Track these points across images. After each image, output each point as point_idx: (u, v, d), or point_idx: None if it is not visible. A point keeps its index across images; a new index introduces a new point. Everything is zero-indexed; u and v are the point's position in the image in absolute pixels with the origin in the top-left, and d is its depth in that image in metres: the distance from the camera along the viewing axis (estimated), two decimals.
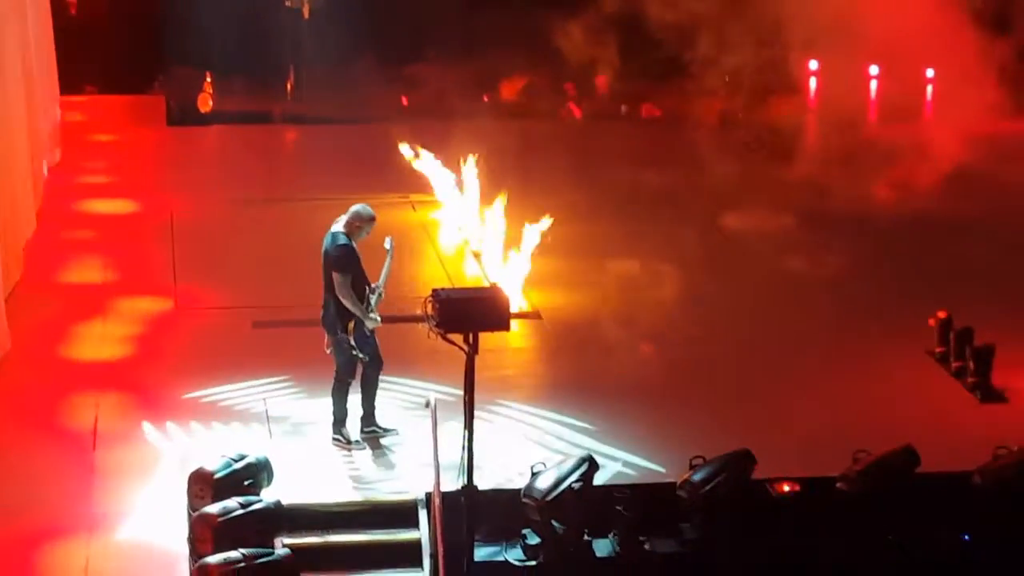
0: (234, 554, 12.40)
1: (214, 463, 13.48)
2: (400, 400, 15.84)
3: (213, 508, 12.90)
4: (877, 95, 29.07)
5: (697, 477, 14.02)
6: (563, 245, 19.98)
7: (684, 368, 17.27)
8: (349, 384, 14.91)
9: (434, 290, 13.15)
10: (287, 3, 29.74)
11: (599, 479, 14.16)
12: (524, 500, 13.78)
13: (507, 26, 26.90)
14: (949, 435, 15.52)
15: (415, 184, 22.49)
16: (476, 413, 13.30)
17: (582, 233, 21.05)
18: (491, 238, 20.13)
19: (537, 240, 19.36)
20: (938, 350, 17.44)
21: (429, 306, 13.05)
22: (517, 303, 18.62)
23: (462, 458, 13.19)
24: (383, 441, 15.05)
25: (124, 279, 19.81)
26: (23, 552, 13.41)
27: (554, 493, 13.68)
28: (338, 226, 14.84)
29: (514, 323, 15.77)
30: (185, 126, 27.79)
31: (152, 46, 28.89)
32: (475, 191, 21.29)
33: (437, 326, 13.01)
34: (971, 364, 16.88)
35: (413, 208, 22.79)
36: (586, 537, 13.91)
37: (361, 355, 14.74)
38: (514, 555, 13.85)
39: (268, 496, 13.41)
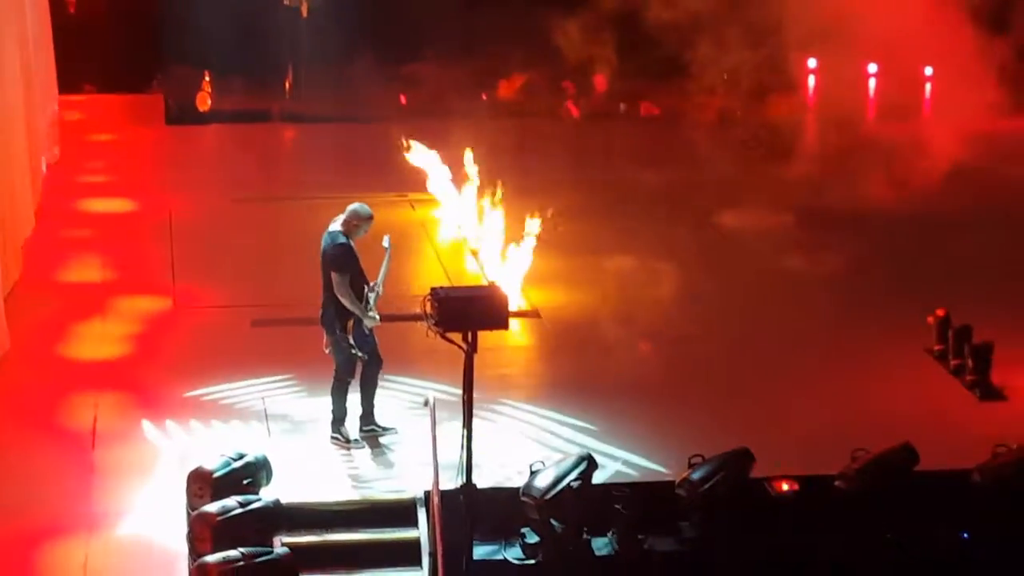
0: (233, 553, 12.40)
1: (213, 462, 13.48)
2: (399, 399, 15.84)
3: (212, 507, 12.90)
4: (875, 93, 29.09)
5: (696, 475, 14.02)
6: (562, 243, 19.99)
7: (683, 366, 17.28)
8: (348, 383, 14.90)
9: (433, 289, 13.17)
10: (285, 2, 29.73)
11: (598, 478, 14.17)
12: (523, 499, 13.78)
13: (505, 25, 26.90)
14: (948, 433, 15.52)
15: (414, 183, 22.48)
16: (475, 412, 13.32)
17: (581, 231, 21.06)
18: (489, 237, 20.13)
19: (536, 239, 19.38)
20: (937, 348, 17.45)
21: (428, 305, 13.07)
22: (516, 302, 18.61)
23: (461, 457, 13.21)
24: (382, 440, 15.05)
25: (123, 278, 19.81)
26: (22, 551, 13.40)
27: (553, 492, 13.68)
28: (336, 225, 14.84)
29: (513, 322, 15.76)
30: (184, 125, 27.80)
31: (150, 45, 28.88)
32: (474, 190, 21.29)
33: (436, 325, 13.03)
34: (970, 362, 16.88)
35: (412, 207, 22.79)
36: (585, 536, 13.91)
37: (360, 354, 14.74)
38: (513, 554, 13.85)
39: (267, 495, 13.40)
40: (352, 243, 14.73)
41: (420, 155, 21.95)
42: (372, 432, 15.05)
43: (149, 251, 20.70)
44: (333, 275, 14.63)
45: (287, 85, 29.78)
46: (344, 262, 14.63)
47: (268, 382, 16.43)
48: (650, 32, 24.06)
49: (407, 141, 22.04)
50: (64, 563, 13.33)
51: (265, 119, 28.36)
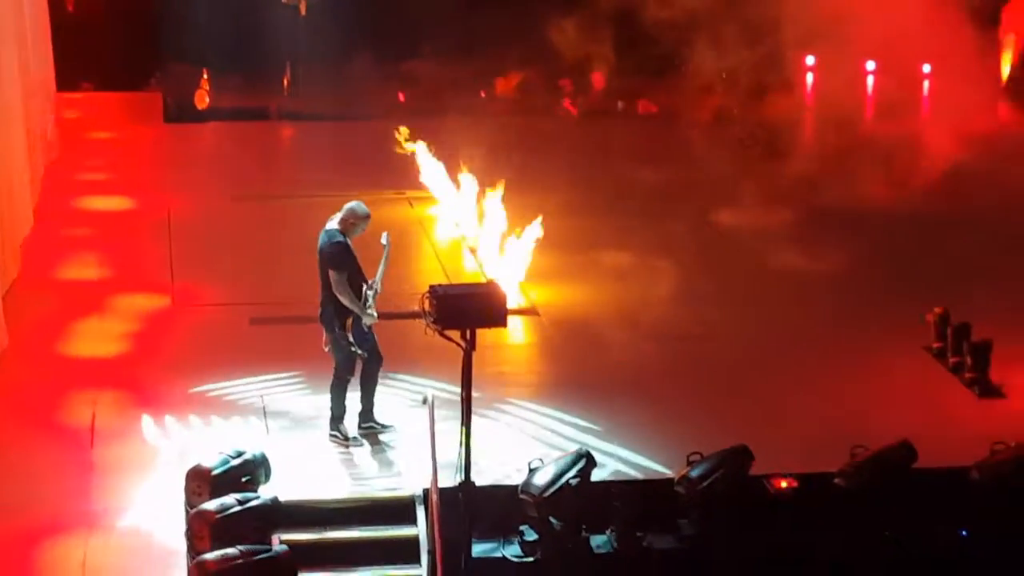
0: (232, 550, 12.40)
1: (212, 460, 13.47)
2: (398, 396, 15.83)
3: (211, 505, 12.90)
4: (873, 91, 29.09)
5: (695, 473, 14.02)
6: (560, 241, 19.99)
7: (681, 364, 17.28)
8: (348, 381, 14.90)
9: (431, 286, 13.16)
10: (284, 0, 29.74)
11: (597, 476, 14.17)
12: (522, 496, 13.78)
13: (504, 23, 26.89)
14: (946, 430, 15.52)
15: (412, 181, 22.48)
16: (474, 409, 13.32)
17: (579, 229, 21.05)
18: (488, 234, 20.13)
19: (535, 237, 19.39)
20: (936, 345, 17.45)
21: (426, 303, 13.06)
22: (514, 300, 18.60)
23: (460, 454, 13.20)
24: (381, 437, 15.05)
25: (121, 276, 19.81)
26: (21, 548, 13.40)
27: (552, 489, 13.68)
28: (333, 223, 14.84)
29: (511, 320, 15.76)
30: (182, 123, 27.81)
31: (149, 43, 28.90)
32: (472, 187, 21.29)
33: (434, 323, 13.02)
34: (969, 360, 16.88)
35: (410, 204, 22.79)
36: (584, 533, 13.91)
37: (360, 351, 14.74)
38: (512, 551, 13.85)
39: (265, 493, 13.40)
40: (349, 241, 14.73)
41: (417, 151, 21.97)
42: (371, 429, 15.05)
43: (147, 249, 20.70)
44: (331, 273, 14.63)
45: (285, 83, 29.78)
46: (341, 260, 14.63)
47: (267, 380, 16.43)
48: (648, 30, 24.08)
49: (402, 134, 22.03)
50: (63, 561, 13.32)
51: (263, 117, 28.38)
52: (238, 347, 17.40)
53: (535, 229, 19.41)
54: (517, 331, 18.19)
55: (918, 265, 20.32)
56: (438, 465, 13.36)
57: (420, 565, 13.60)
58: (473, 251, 20.58)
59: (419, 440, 14.20)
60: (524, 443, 15.12)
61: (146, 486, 14.36)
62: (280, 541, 13.05)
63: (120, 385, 16.47)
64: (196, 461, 13.58)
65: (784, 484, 14.27)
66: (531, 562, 13.78)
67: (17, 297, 18.52)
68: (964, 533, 14.20)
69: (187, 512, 13.20)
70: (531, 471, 13.94)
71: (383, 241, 14.88)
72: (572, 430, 15.49)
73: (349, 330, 14.69)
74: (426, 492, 13.64)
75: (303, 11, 29.69)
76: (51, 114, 25.33)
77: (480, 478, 13.58)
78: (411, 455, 14.58)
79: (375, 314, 14.76)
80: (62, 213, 22.36)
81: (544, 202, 19.89)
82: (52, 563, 13.34)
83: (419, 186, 22.43)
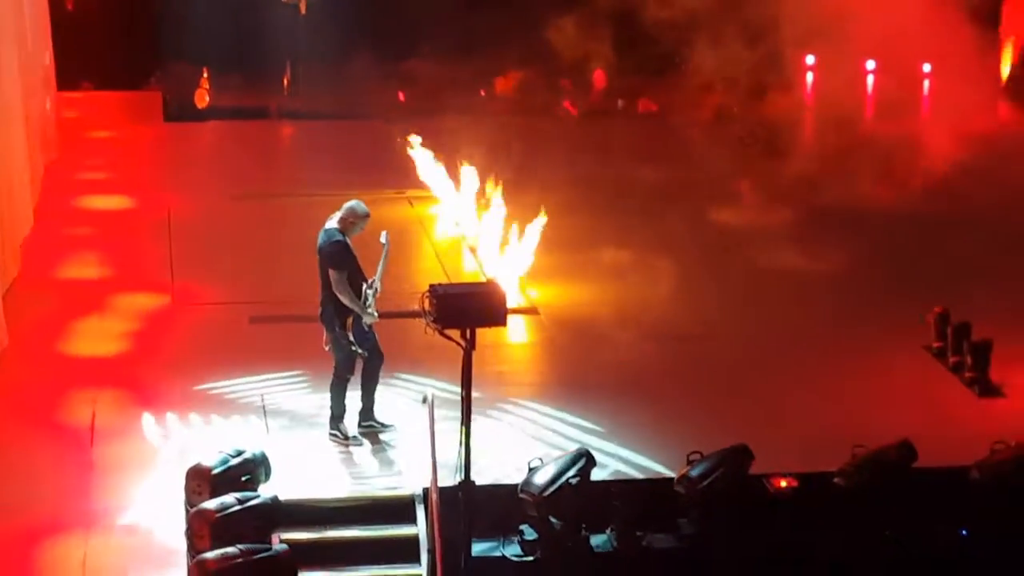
0: (231, 550, 12.40)
1: (211, 459, 13.46)
2: (398, 396, 15.83)
3: (210, 504, 12.89)
4: (874, 90, 29.09)
5: (695, 472, 14.02)
6: (560, 240, 19.98)
7: (681, 363, 17.28)
8: (348, 380, 14.90)
9: (431, 286, 13.16)
10: None
11: (597, 475, 14.17)
12: (521, 495, 13.78)
13: (504, 22, 26.89)
14: (946, 430, 15.52)
15: (412, 180, 22.48)
16: (474, 409, 13.31)
17: (578, 228, 21.04)
18: (488, 233, 20.13)
19: (534, 236, 19.38)
20: (936, 345, 17.45)
21: (426, 302, 13.06)
22: (514, 299, 18.60)
23: (459, 454, 13.20)
24: (381, 436, 15.05)
25: (121, 275, 19.81)
26: (21, 548, 13.40)
27: (551, 488, 13.68)
28: (332, 223, 14.84)
29: (511, 319, 15.75)
30: (182, 122, 27.82)
31: (149, 42, 28.92)
32: (472, 186, 21.29)
33: (434, 322, 13.01)
34: (969, 359, 16.88)
35: (410, 204, 22.79)
36: (583, 532, 13.91)
37: (360, 350, 14.74)
38: (512, 550, 13.85)
39: (265, 492, 13.40)
40: (348, 240, 14.73)
41: (420, 153, 21.97)
42: (371, 428, 15.05)
43: (147, 248, 20.70)
44: (331, 272, 14.63)
45: (285, 82, 29.78)
46: (341, 259, 14.63)
47: (266, 379, 16.43)
48: (648, 29, 24.08)
49: (408, 138, 22.04)
50: (63, 560, 13.33)
51: (263, 116, 28.39)
52: (238, 346, 17.41)
53: (536, 228, 19.40)
54: (517, 330, 18.19)
55: (918, 265, 20.32)
56: (438, 464, 13.36)
57: (420, 564, 13.59)
58: (473, 250, 20.58)
59: (419, 439, 14.20)
60: (524, 442, 15.12)
61: (146, 485, 14.36)
62: (280, 540, 13.04)
63: (120, 384, 16.48)
64: (196, 460, 13.56)
65: (784, 483, 14.27)
66: (531, 561, 13.78)
67: (17, 296, 18.52)
68: (964, 533, 14.19)
69: (187, 511, 13.19)
70: (531, 470, 13.94)
71: (382, 240, 14.87)
72: (572, 429, 15.48)
73: (349, 329, 14.69)
74: (426, 491, 13.64)
75: (303, 10, 29.70)
76: (51, 113, 25.32)
77: (480, 477, 13.57)
78: (411, 454, 14.57)
79: (375, 313, 14.76)
80: (62, 212, 22.36)
81: (544, 201, 19.87)
82: (52, 562, 13.34)
83: (419, 185, 22.42)
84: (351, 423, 15.00)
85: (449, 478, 13.34)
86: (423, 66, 28.69)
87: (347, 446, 14.88)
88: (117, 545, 13.52)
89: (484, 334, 13.26)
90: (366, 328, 14.75)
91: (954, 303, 17.66)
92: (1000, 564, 14.08)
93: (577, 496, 13.77)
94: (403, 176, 22.57)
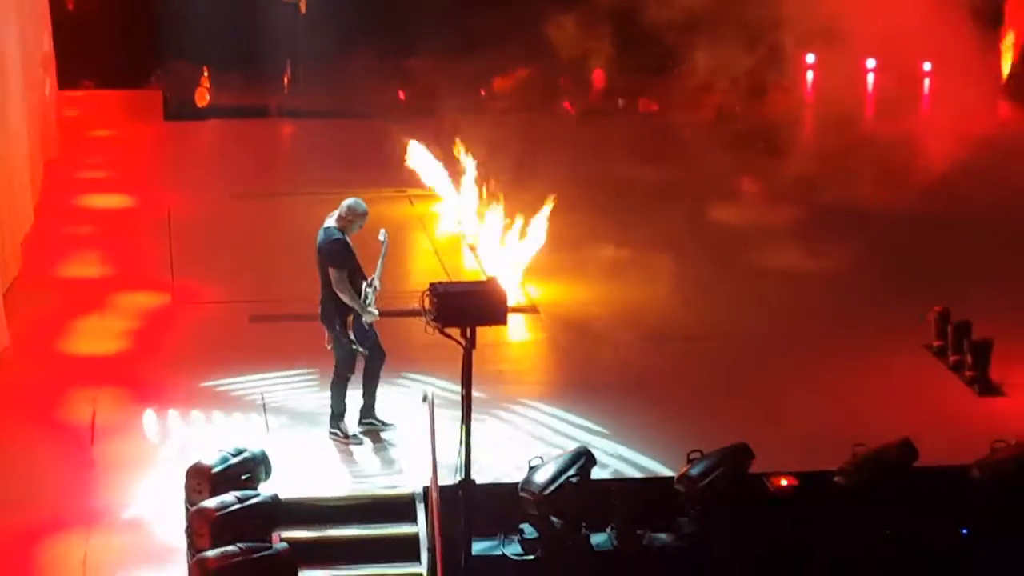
0: (231, 548, 12.39)
1: (212, 457, 13.46)
2: (398, 394, 15.83)
3: (211, 502, 12.89)
4: (874, 89, 29.09)
5: (695, 471, 14.02)
6: (560, 239, 19.98)
7: (681, 362, 17.27)
8: (348, 379, 14.90)
9: (431, 284, 13.15)
10: None
11: (598, 473, 14.17)
12: (522, 494, 13.78)
13: (504, 21, 26.88)
14: (947, 429, 15.52)
15: (412, 178, 22.47)
16: (474, 407, 13.31)
17: (579, 227, 21.02)
18: (488, 232, 20.13)
19: (535, 235, 19.39)
20: (936, 344, 17.45)
21: (426, 300, 13.05)
22: (514, 297, 18.60)
23: (460, 452, 13.20)
24: (381, 435, 15.05)
25: (122, 274, 19.81)
26: (22, 546, 13.41)
27: (552, 487, 13.68)
28: (331, 221, 14.84)
29: (512, 317, 15.75)
30: (182, 121, 27.79)
31: (149, 41, 28.88)
32: (472, 185, 21.28)
33: (434, 320, 13.01)
34: (969, 358, 16.88)
35: (410, 202, 22.79)
36: (584, 531, 13.91)
37: (361, 349, 14.74)
38: (512, 549, 13.85)
39: (265, 490, 13.40)
40: (347, 238, 14.72)
41: (418, 155, 21.95)
42: (371, 426, 15.05)
43: (148, 247, 20.70)
44: (331, 271, 14.63)
45: (285, 81, 29.77)
46: (341, 258, 14.63)
47: (266, 377, 16.43)
48: (648, 28, 24.07)
49: (406, 144, 22.03)
50: (63, 558, 13.33)
51: (264, 115, 28.38)
52: (238, 345, 17.41)
53: (536, 228, 19.40)
54: (517, 329, 18.18)
55: (918, 264, 20.31)
56: (438, 463, 13.36)
57: (420, 563, 13.60)
58: (473, 249, 20.57)
59: (419, 438, 14.19)
60: (524, 441, 15.12)
61: (146, 483, 14.36)
62: (280, 539, 13.03)
63: (120, 382, 16.48)
64: (196, 458, 13.56)
65: (784, 482, 14.28)
66: (531, 560, 13.78)
67: (18, 295, 18.52)
68: (965, 531, 14.19)
69: (187, 509, 13.19)
70: (531, 469, 13.95)
71: (381, 238, 14.87)
72: (572, 428, 15.48)
73: (350, 328, 14.69)
74: (426, 490, 13.64)
75: (303, 9, 29.70)
76: (52, 112, 25.31)
77: (480, 476, 13.57)
78: (411, 453, 14.57)
79: (375, 311, 14.75)
80: (63, 211, 22.35)
81: (545, 200, 19.86)
82: (53, 560, 13.35)
83: (419, 184, 22.41)
84: (351, 422, 15.00)
85: (449, 477, 13.34)
86: (423, 65, 28.67)
87: (347, 445, 14.87)
88: (117, 543, 13.53)
89: (484, 333, 13.26)
90: (366, 326, 14.75)
91: (954, 302, 17.66)
92: (1001, 563, 14.08)
93: (577, 495, 13.77)
94: (403, 175, 22.55)
